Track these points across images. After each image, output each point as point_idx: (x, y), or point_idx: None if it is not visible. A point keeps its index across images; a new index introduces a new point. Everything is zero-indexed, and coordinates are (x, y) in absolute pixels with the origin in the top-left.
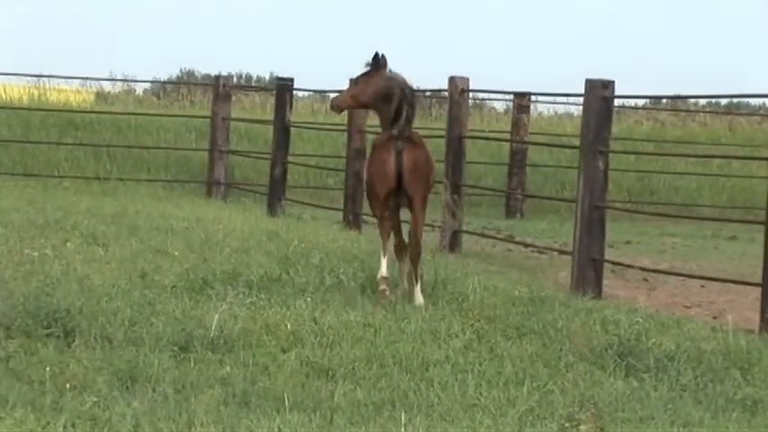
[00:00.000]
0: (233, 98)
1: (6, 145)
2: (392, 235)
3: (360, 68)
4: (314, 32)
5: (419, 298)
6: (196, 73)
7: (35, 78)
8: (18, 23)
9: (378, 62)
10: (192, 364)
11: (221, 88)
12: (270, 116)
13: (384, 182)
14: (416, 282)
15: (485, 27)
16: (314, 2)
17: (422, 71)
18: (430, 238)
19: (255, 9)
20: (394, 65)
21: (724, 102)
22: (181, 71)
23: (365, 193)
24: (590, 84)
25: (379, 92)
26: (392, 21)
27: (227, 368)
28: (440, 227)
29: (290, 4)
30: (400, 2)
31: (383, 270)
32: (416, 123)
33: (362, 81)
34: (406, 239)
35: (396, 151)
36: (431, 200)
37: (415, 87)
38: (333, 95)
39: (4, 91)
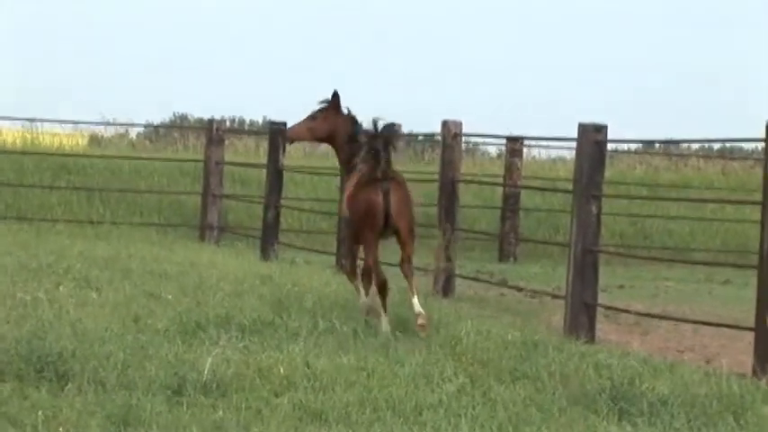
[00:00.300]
0: (226, 142)
1: (0, 188)
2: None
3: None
4: (306, 77)
5: (417, 306)
6: (189, 117)
7: (28, 122)
8: (10, 73)
9: (336, 99)
10: (184, 408)
11: (214, 132)
12: (263, 160)
13: (374, 221)
14: (414, 294)
15: (477, 68)
16: (306, 48)
17: (414, 114)
18: (423, 282)
19: (248, 54)
20: (386, 108)
21: (717, 146)
22: (174, 115)
23: (353, 229)
24: (583, 128)
25: (335, 128)
26: (384, 63)
27: (220, 412)
28: (433, 271)
29: (283, 50)
30: (392, 45)
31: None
32: (409, 167)
33: (321, 116)
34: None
35: (383, 191)
36: (424, 243)
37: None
38: (289, 128)
39: None
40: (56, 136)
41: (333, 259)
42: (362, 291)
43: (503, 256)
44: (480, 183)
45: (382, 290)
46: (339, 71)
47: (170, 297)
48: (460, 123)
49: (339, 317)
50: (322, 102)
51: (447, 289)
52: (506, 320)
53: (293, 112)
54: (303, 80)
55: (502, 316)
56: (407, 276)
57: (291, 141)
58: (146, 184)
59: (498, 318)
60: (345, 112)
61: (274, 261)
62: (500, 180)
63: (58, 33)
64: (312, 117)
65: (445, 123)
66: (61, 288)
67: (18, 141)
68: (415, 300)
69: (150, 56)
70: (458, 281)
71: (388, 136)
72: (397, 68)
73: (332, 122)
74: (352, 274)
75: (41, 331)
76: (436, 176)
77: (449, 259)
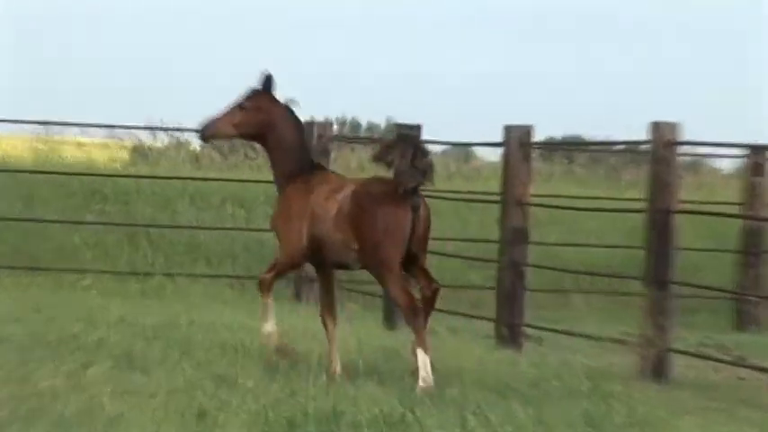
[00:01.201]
0: (332, 154)
1: (3, 224)
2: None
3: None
4: (445, 71)
5: (428, 376)
6: None
7: (42, 127)
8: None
9: (268, 84)
10: None
11: (315, 140)
12: None
13: (401, 241)
14: (426, 350)
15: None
16: (451, 18)
17: (607, 116)
18: (625, 362)
19: (366, 28)
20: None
21: None
22: None
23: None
24: None
25: (269, 122)
26: (551, 58)
27: None
28: (637, 343)
29: (417, 25)
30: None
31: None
32: (597, 191)
33: (251, 106)
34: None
35: (413, 207)
36: (622, 302)
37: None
38: (205, 121)
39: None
40: (82, 146)
41: (490, 326)
42: (270, 308)
43: (741, 321)
44: (707, 214)
45: (419, 311)
46: (495, 59)
47: (250, 384)
48: (676, 126)
49: (496, 409)
50: (252, 89)
51: (659, 369)
52: (743, 416)
53: (431, 113)
54: (442, 75)
55: (737, 410)
56: (427, 316)
57: (208, 140)
58: (213, 217)
59: (733, 412)
60: (282, 101)
61: (403, 329)
62: (737, 210)
63: (91, 24)
64: (240, 107)
65: (656, 126)
66: (91, 370)
67: (27, 155)
68: (427, 363)
69: (219, 33)
70: (674, 357)
71: (419, 142)
72: (580, 57)
73: (266, 114)
74: (267, 287)
75: None
76: (641, 205)
77: (661, 327)
